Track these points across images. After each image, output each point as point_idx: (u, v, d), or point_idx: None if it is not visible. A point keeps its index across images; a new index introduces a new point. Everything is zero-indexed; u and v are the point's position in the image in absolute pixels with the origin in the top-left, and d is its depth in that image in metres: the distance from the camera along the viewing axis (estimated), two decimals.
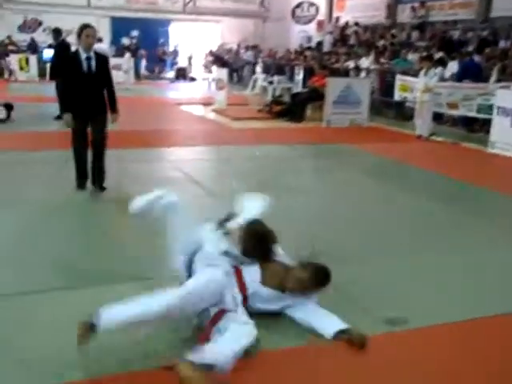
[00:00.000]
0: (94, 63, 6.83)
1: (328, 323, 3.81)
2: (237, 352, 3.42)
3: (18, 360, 3.31)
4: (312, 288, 3.95)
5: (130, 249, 5.11)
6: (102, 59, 7.07)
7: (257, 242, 4.04)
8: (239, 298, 3.84)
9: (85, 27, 6.90)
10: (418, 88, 12.77)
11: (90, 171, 7.19)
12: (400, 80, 14.98)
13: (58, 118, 12.67)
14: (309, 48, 25.31)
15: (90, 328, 3.31)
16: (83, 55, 6.78)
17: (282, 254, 4.20)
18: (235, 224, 4.18)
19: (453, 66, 14.70)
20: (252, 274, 3.94)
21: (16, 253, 5.05)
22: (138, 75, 25.86)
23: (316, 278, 3.92)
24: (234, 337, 3.58)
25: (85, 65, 6.77)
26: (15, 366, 3.27)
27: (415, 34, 20.08)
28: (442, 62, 13.52)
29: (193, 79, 28.04)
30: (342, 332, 3.72)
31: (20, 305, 4.04)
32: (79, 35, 6.86)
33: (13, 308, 4.00)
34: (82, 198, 6.95)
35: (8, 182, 7.60)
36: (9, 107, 12.55)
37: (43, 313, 3.91)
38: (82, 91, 6.82)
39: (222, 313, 3.68)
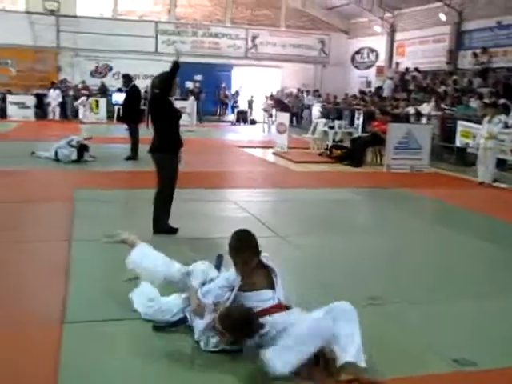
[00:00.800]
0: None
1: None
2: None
3: None
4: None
5: None
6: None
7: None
8: None
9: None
10: (482, 135, 12.71)
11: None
12: (462, 126, 14.95)
13: (129, 158, 13.22)
14: (367, 93, 25.45)
15: None
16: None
17: None
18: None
19: None
20: None
21: None
22: (200, 118, 26.37)
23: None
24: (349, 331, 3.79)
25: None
26: None
27: (477, 81, 19.81)
28: (507, 109, 13.46)
29: (253, 122, 28.30)
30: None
31: None
32: None
33: None
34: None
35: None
36: (84, 148, 12.92)
37: None
38: (177, 131, 7.09)
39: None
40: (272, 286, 4.11)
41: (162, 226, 7.07)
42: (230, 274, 4.18)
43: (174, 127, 6.99)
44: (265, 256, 4.24)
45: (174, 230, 7.13)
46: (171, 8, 28.80)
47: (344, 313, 3.89)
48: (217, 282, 4.21)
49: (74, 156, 12.68)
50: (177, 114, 7.12)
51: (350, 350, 3.74)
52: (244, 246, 4.10)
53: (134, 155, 13.36)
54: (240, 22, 29.71)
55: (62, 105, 25.08)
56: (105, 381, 3.67)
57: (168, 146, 6.89)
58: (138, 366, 3.89)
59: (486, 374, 3.86)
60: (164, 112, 6.93)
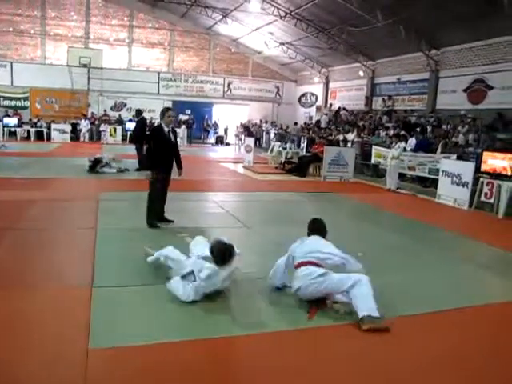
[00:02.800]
0: (172, 135, 6.89)
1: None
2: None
3: None
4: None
5: None
6: (175, 132, 7.15)
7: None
8: None
9: (168, 110, 6.90)
10: (389, 156, 13.02)
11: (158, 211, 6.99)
12: (375, 149, 15.12)
13: (138, 170, 13.13)
14: (310, 124, 25.67)
15: None
16: (165, 129, 6.77)
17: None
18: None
19: (412, 141, 14.93)
20: None
21: None
22: (190, 141, 26.29)
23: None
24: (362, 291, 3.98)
25: (167, 135, 6.77)
26: None
27: (385, 118, 20.07)
28: (405, 138, 13.75)
29: (228, 144, 28.21)
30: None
31: None
32: (163, 115, 6.80)
33: None
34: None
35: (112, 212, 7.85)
36: (97, 162, 12.68)
37: None
38: (167, 154, 6.78)
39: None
40: None
41: (148, 221, 6.92)
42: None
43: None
44: None
45: (157, 225, 6.87)
46: (170, 62, 28.69)
47: (361, 280, 4.06)
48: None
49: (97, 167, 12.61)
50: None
51: (366, 307, 3.93)
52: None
53: (141, 167, 13.27)
54: (219, 72, 29.67)
55: (90, 131, 24.93)
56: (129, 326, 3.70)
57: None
58: (152, 316, 3.94)
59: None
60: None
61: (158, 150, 6.69)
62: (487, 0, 13.00)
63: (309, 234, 4.74)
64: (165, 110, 6.88)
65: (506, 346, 3.84)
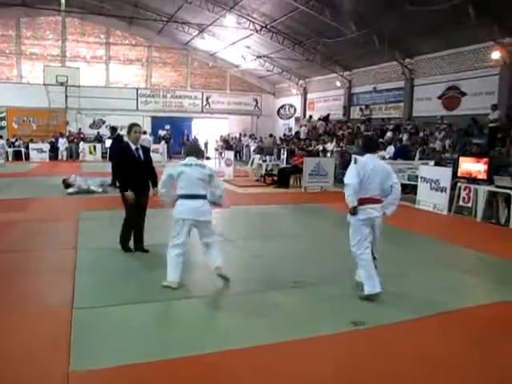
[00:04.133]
0: (141, 152, 6.27)
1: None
2: None
3: None
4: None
5: None
6: (144, 149, 6.45)
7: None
8: None
9: (133, 125, 6.33)
10: None
11: (133, 234, 6.44)
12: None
13: (110, 185, 13.02)
14: (289, 136, 25.77)
15: None
16: (133, 146, 6.24)
17: None
18: None
19: (390, 149, 15.12)
20: None
21: None
22: (169, 156, 26.14)
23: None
24: None
25: (135, 154, 6.22)
26: None
27: (363, 127, 20.25)
28: (383, 146, 13.90)
29: (208, 158, 28.08)
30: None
31: None
32: (129, 131, 6.30)
33: None
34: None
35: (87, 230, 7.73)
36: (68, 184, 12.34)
37: None
38: (137, 174, 6.18)
39: None
40: None
41: (121, 243, 6.47)
42: None
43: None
44: None
45: (129, 249, 6.42)
46: (148, 78, 28.70)
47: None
48: None
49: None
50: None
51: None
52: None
53: (112, 183, 13.15)
54: (197, 87, 29.74)
55: (69, 149, 24.77)
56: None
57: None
58: (135, 335, 3.88)
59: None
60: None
61: (127, 169, 6.18)
62: (455, 11, 13.32)
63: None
64: (131, 126, 6.34)
65: (492, 347, 3.85)
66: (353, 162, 4.83)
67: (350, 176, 4.80)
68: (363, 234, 4.74)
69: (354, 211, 4.74)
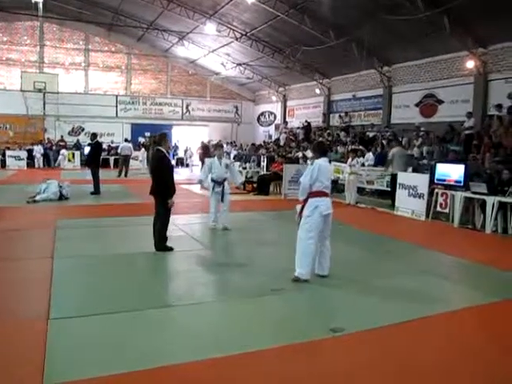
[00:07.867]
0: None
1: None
2: None
3: None
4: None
5: None
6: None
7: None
8: None
9: (165, 135, 7.06)
10: (347, 171, 13.22)
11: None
12: (334, 165, 15.32)
13: (93, 193, 12.94)
14: (269, 143, 25.81)
15: None
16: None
17: None
18: None
19: (369, 156, 15.25)
20: None
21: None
22: (149, 163, 25.93)
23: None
24: None
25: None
26: None
27: (342, 134, 20.37)
28: (362, 153, 14.04)
29: (188, 165, 27.92)
30: None
31: None
32: (163, 141, 6.87)
33: None
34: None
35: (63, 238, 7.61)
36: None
37: None
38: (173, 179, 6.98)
39: None
40: None
41: (162, 247, 6.89)
42: None
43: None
44: None
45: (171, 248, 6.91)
46: (127, 85, 28.53)
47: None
48: None
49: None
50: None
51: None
52: None
53: (96, 191, 13.11)
54: (177, 94, 29.69)
55: (46, 156, 24.41)
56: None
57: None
58: (112, 345, 3.81)
59: None
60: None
61: (171, 177, 6.92)
62: (431, 21, 13.59)
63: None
64: (163, 136, 6.99)
65: (475, 349, 3.88)
66: (310, 163, 5.87)
67: (305, 176, 5.74)
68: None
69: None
